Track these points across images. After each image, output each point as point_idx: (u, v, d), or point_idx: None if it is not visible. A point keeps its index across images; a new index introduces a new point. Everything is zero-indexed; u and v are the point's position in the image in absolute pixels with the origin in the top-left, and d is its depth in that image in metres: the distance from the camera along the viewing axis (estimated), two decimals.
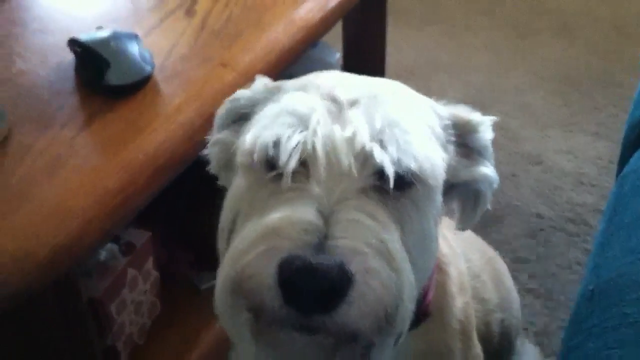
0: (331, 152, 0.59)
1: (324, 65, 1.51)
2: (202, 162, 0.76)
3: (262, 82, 0.74)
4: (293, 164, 0.59)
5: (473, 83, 2.12)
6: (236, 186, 0.68)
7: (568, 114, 2.02)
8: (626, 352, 0.65)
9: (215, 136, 0.74)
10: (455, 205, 0.75)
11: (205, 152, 0.75)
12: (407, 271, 0.59)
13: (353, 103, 0.63)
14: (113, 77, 0.97)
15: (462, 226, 0.76)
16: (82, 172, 0.84)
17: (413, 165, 0.60)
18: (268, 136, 0.62)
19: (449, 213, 0.76)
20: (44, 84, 1.00)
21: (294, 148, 0.60)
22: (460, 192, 0.73)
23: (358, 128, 0.60)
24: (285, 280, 0.54)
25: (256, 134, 0.63)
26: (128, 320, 1.15)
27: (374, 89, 0.66)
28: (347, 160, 0.59)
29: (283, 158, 0.59)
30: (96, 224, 0.80)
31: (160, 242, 1.24)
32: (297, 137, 0.60)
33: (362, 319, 0.56)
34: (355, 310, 0.55)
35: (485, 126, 0.71)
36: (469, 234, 1.07)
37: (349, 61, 1.61)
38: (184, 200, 1.25)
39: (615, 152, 1.17)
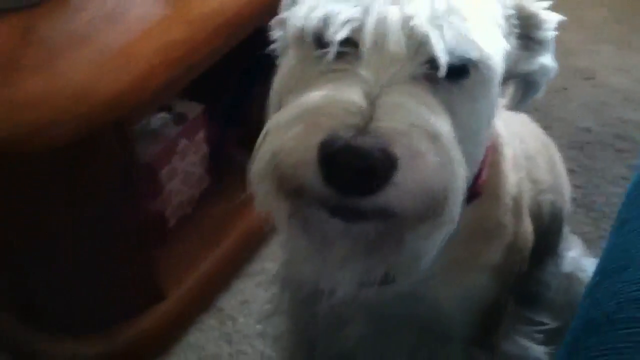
0: (384, 33, 0.56)
1: None
2: (257, 40, 0.74)
3: None
4: (340, 37, 0.56)
5: None
6: (286, 63, 0.65)
7: (625, 31, 1.96)
8: None
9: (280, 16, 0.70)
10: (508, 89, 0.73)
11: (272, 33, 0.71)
12: (456, 156, 0.56)
13: None
14: None
15: (511, 108, 0.74)
16: (145, 22, 0.83)
17: (471, 55, 0.57)
18: (318, 11, 0.58)
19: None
20: None
21: (344, 23, 0.56)
22: (516, 80, 0.70)
23: (418, 9, 0.56)
24: (326, 158, 0.52)
25: (308, 7, 0.59)
26: (177, 189, 1.16)
27: None
28: (398, 44, 0.55)
29: (331, 31, 0.56)
30: (160, 71, 0.79)
31: (212, 118, 1.23)
32: (348, 13, 0.57)
33: (406, 202, 0.54)
34: (398, 193, 0.53)
35: (550, 24, 0.67)
36: (526, 119, 1.06)
37: None
38: (237, 78, 1.23)
39: None
